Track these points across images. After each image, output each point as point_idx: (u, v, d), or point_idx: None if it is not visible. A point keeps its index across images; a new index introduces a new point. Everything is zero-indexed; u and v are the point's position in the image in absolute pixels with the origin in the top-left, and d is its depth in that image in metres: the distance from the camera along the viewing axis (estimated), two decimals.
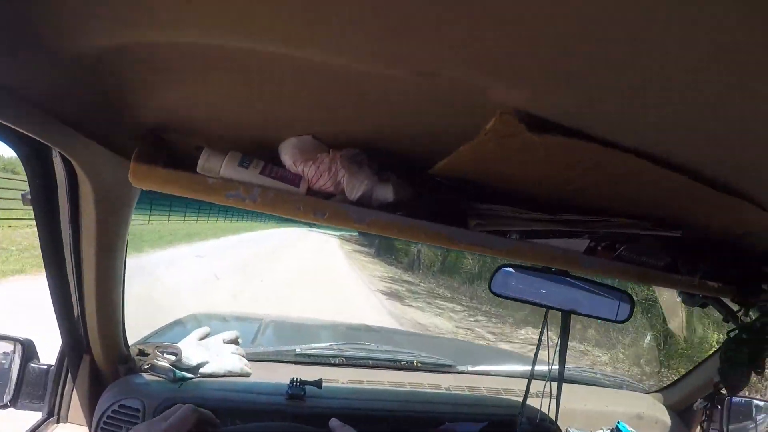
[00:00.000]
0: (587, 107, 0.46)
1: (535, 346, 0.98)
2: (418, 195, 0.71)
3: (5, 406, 0.92)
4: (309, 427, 0.76)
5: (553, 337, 0.99)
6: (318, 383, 1.00)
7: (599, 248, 0.89)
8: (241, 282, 7.13)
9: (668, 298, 1.75)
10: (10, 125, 0.51)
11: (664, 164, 0.56)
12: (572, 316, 0.99)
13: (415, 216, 0.69)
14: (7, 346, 0.95)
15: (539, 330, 0.97)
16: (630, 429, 1.26)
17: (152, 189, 0.68)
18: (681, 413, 1.35)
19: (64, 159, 0.68)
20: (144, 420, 0.86)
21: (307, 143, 0.65)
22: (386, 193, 0.67)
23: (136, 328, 1.12)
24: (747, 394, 1.43)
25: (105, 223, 0.75)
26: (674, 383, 1.43)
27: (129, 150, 0.68)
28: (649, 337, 5.68)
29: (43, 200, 0.73)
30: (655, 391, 1.44)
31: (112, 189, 0.73)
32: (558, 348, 0.96)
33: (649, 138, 0.51)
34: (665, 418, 1.33)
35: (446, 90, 0.46)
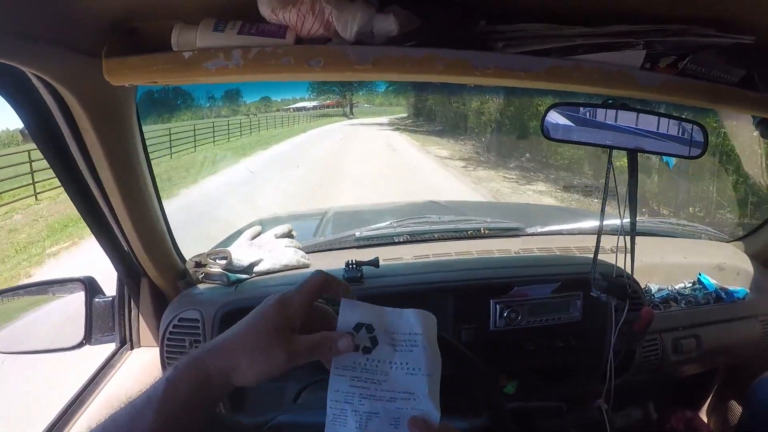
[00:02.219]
0: None
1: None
2: (428, 23, 0.59)
3: (81, 345, 0.97)
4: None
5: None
6: (375, 262, 0.95)
7: (658, 66, 0.74)
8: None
9: (742, 136, 1.53)
10: None
11: None
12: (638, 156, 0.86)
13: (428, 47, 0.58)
14: (72, 288, 1.00)
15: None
16: (712, 281, 1.16)
17: (132, 82, 0.62)
18: (765, 262, 1.22)
19: (43, 81, 0.63)
20: (204, 330, 0.88)
21: None
22: (388, 23, 0.56)
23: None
24: None
25: (109, 140, 0.71)
26: (756, 230, 1.29)
27: (99, 49, 0.61)
28: (724, 182, 5.21)
29: (42, 134, 0.70)
30: (736, 239, 1.31)
31: (100, 98, 0.67)
32: (627, 195, 0.85)
33: None
34: (748, 267, 1.21)
35: None
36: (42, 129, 0.69)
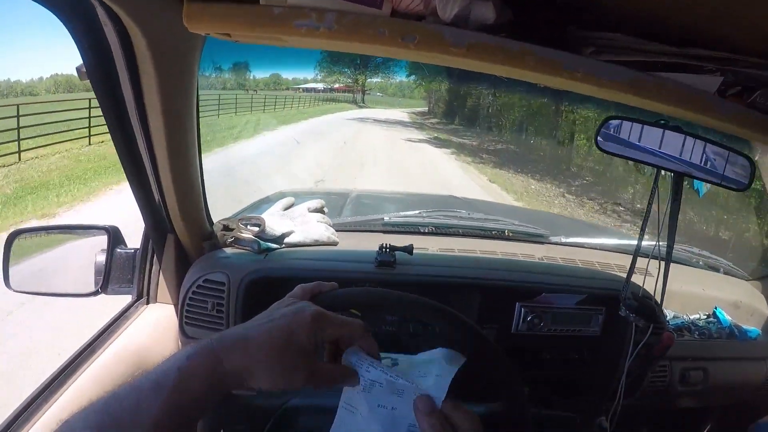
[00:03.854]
0: None
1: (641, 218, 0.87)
2: (522, 17, 0.58)
3: (96, 293, 0.96)
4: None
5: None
6: (409, 249, 0.95)
7: (728, 93, 0.74)
8: None
9: None
10: None
11: None
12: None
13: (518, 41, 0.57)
14: (95, 235, 0.98)
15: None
16: (727, 317, 1.17)
17: (211, 31, 0.60)
18: None
19: (112, 18, 0.61)
20: (228, 294, 0.86)
21: None
22: (486, 12, 0.55)
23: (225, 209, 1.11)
24: None
25: (168, 85, 0.69)
26: None
27: None
28: (754, 219, 5.25)
29: (99, 70, 0.67)
30: (756, 279, 1.32)
31: (169, 43, 0.65)
32: (668, 216, 0.85)
33: None
34: (763, 308, 1.22)
35: None
36: (99, 67, 0.67)
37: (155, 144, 0.77)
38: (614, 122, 0.80)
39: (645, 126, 0.80)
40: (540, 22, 0.60)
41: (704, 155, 0.85)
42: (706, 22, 0.61)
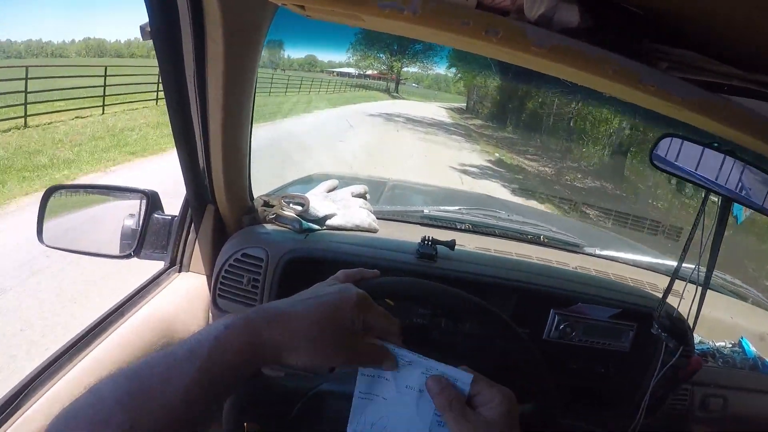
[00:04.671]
0: None
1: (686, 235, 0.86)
2: (603, 24, 0.58)
3: (128, 256, 0.96)
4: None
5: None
6: (451, 244, 0.95)
7: None
8: None
9: None
10: None
11: None
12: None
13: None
14: (134, 198, 0.98)
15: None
16: (752, 348, 1.16)
17: (288, 0, 0.60)
18: None
19: None
20: (265, 270, 0.86)
21: None
22: (571, 15, 0.55)
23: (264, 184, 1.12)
24: None
25: (234, 55, 0.69)
26: None
27: None
28: None
29: (164, 29, 0.68)
30: None
31: (241, 11, 0.65)
32: (709, 242, 0.84)
33: None
34: None
35: None
36: (165, 28, 0.68)
37: (211, 112, 0.77)
38: (670, 138, 0.79)
39: (698, 146, 0.79)
40: (619, 31, 0.60)
41: (755, 182, 0.85)
42: None
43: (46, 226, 0.95)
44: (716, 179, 0.81)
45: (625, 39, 0.60)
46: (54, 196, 0.97)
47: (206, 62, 0.70)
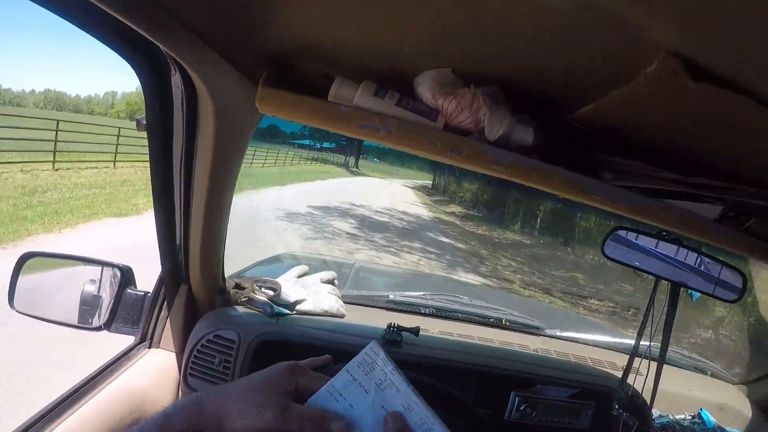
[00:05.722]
0: (749, 56, 0.40)
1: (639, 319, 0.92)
2: (554, 141, 0.65)
3: (99, 329, 0.96)
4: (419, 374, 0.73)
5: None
6: (416, 331, 0.99)
7: (727, 218, 0.82)
8: None
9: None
10: (140, 31, 0.49)
11: None
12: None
13: (549, 163, 0.64)
14: (106, 272, 0.99)
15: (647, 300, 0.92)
16: (712, 419, 1.21)
17: (279, 115, 0.66)
18: (766, 410, 1.28)
19: (185, 79, 0.66)
20: (237, 352, 0.87)
21: (447, 77, 0.61)
22: (526, 135, 0.62)
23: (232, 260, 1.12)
24: None
25: (222, 148, 0.74)
26: (761, 378, 1.35)
27: (255, 74, 0.66)
28: (741, 324, 5.39)
29: (159, 122, 0.72)
30: (741, 383, 1.37)
31: (234, 112, 0.71)
32: (662, 323, 0.91)
33: None
34: (747, 412, 1.26)
35: (602, 26, 0.41)
36: (160, 119, 0.72)
37: (195, 197, 0.80)
38: (620, 233, 0.87)
39: (648, 237, 0.87)
40: (567, 148, 0.68)
41: (700, 267, 0.93)
42: (711, 155, 0.70)
43: (18, 291, 0.94)
44: (664, 266, 0.88)
45: (573, 154, 0.68)
46: (28, 262, 0.97)
47: (194, 156, 0.75)
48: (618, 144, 0.72)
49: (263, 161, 17.80)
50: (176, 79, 0.68)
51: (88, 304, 0.98)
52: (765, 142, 0.60)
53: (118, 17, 0.45)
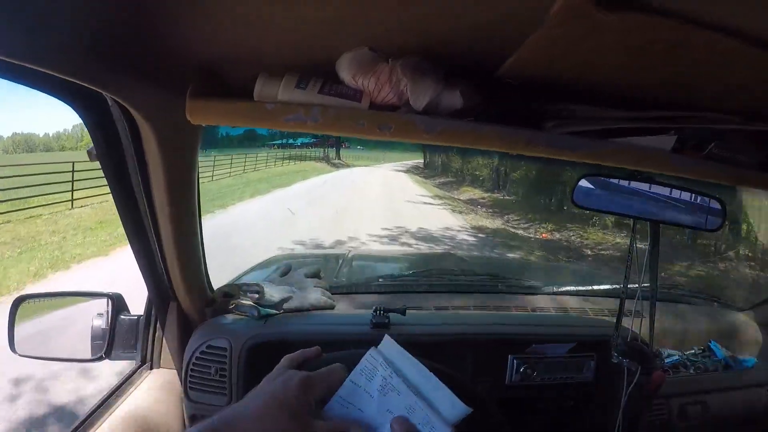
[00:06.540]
0: None
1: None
2: (488, 100, 0.65)
3: (100, 359, 0.99)
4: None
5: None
6: (402, 310, 0.99)
7: (686, 147, 0.80)
8: None
9: (761, 205, 1.60)
10: (55, 74, 0.50)
11: (760, 44, 0.47)
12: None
13: (487, 122, 0.63)
14: (98, 303, 1.01)
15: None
16: (722, 349, 1.20)
17: (211, 123, 0.67)
18: None
19: (123, 111, 0.67)
20: (230, 359, 0.89)
21: (365, 56, 0.60)
22: (454, 99, 0.61)
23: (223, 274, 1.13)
24: None
25: (172, 167, 0.75)
26: (766, 300, 1.33)
27: (184, 88, 0.66)
28: (739, 250, 5.31)
29: (108, 153, 0.74)
30: (748, 309, 1.35)
31: (172, 130, 0.71)
32: (648, 262, 0.90)
33: (740, 12, 0.43)
34: (758, 336, 1.25)
35: None
36: (109, 150, 0.73)
37: (159, 217, 0.82)
38: (587, 179, 0.85)
39: (618, 180, 0.85)
40: (505, 102, 0.67)
41: (677, 201, 0.91)
42: (660, 86, 0.68)
43: (17, 335, 0.97)
44: (640, 206, 0.86)
45: (514, 110, 0.67)
46: (23, 305, 1.00)
47: (149, 174, 0.76)
48: (557, 92, 0.70)
49: (252, 166, 16.35)
50: (115, 111, 0.69)
51: (86, 334, 1.01)
52: (710, 66, 0.58)
53: (35, 68, 0.46)
